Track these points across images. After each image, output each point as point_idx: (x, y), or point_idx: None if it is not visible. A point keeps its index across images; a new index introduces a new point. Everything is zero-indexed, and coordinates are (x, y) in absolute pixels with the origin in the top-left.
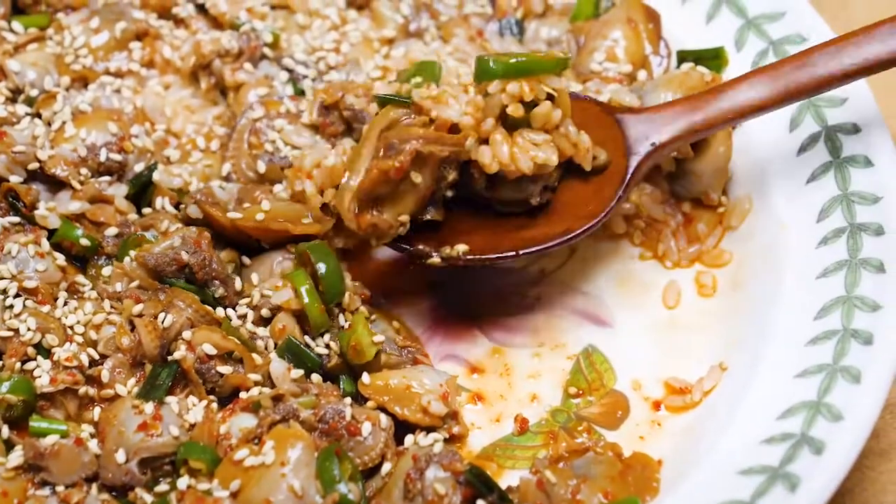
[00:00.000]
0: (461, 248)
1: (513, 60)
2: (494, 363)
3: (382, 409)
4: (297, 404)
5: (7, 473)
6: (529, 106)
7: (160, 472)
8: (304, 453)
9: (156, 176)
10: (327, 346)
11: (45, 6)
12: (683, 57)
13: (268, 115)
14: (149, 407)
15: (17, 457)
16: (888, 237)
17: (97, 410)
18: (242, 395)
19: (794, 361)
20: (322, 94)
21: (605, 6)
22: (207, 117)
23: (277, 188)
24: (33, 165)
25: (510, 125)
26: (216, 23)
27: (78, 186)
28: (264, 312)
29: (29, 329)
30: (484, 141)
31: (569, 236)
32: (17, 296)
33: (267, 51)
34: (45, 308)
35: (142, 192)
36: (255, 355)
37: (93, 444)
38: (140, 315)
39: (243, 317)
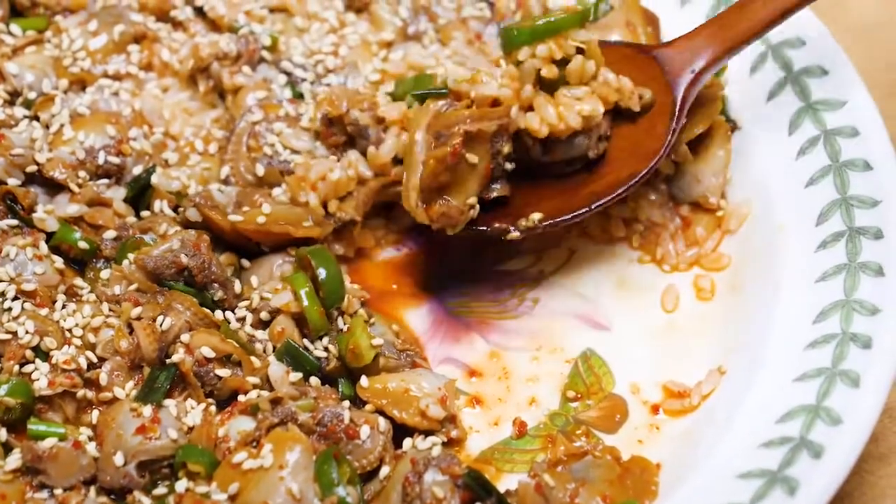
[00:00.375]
0: (536, 216)
1: (537, 24)
2: (493, 366)
3: (381, 412)
4: (295, 407)
5: (5, 476)
6: (562, 64)
7: (158, 475)
8: (302, 456)
9: (154, 179)
10: (326, 349)
11: (43, 9)
12: None
13: (266, 119)
14: (147, 410)
15: (15, 459)
16: (887, 241)
17: (95, 413)
18: (241, 398)
19: (793, 365)
20: (327, 107)
21: (603, 9)
22: (206, 120)
23: (276, 192)
24: (31, 168)
25: (549, 87)
26: (214, 26)
27: (76, 189)
28: (263, 315)
29: (27, 332)
30: (529, 109)
31: (637, 178)
32: (15, 298)
33: (265, 54)
34: (44, 311)
35: (140, 195)
36: (253, 358)
37: (91, 447)
38: (138, 318)
39: (242, 320)
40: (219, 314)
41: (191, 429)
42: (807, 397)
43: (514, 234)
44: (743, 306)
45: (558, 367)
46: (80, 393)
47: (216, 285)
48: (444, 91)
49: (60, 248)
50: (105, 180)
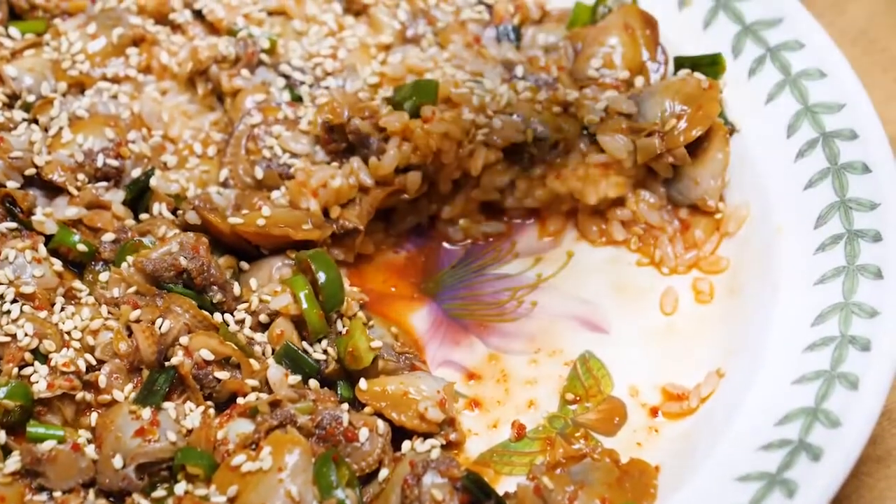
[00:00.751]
0: None
1: None
2: (491, 369)
3: (380, 414)
4: (294, 410)
5: (4, 479)
6: None
7: (157, 478)
8: (301, 459)
9: (153, 181)
10: (325, 351)
11: (42, 12)
12: (681, 63)
13: (265, 122)
14: (146, 412)
15: (14, 462)
16: (886, 243)
17: (94, 416)
18: (240, 400)
19: (792, 367)
20: (328, 114)
21: (602, 12)
22: (204, 123)
23: (275, 194)
24: (30, 171)
25: None
26: (213, 29)
27: (75, 192)
28: (262, 318)
29: (26, 334)
30: None
31: None
32: (14, 301)
33: (264, 57)
34: (43, 313)
35: (139, 198)
36: (252, 361)
37: (90, 450)
38: (137, 320)
39: (241, 322)
40: (218, 317)
41: (190, 431)
42: (806, 400)
43: None
44: (742, 309)
45: (557, 370)
46: (79, 395)
47: (215, 288)
48: None
49: (59, 250)
50: (104, 183)
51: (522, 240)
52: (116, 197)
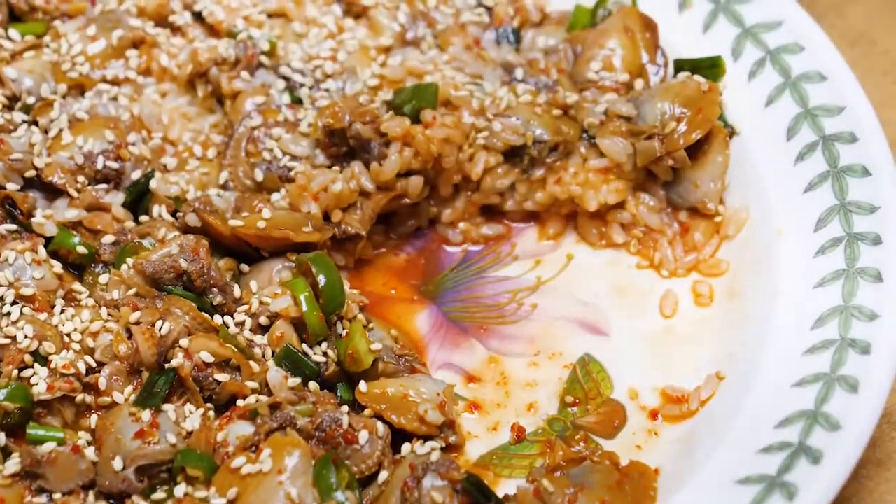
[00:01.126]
0: None
1: None
2: (491, 372)
3: (379, 417)
4: (294, 412)
5: (4, 481)
6: None
7: (157, 480)
8: (301, 461)
9: (153, 184)
10: (325, 354)
11: (42, 14)
12: (680, 66)
13: (265, 124)
14: (146, 414)
15: (14, 464)
16: (885, 246)
17: (94, 418)
18: (240, 402)
19: (792, 371)
20: (329, 119)
21: (601, 15)
22: (204, 125)
23: (275, 197)
24: (30, 173)
25: None
26: (213, 31)
27: (75, 194)
28: (262, 320)
29: (26, 336)
30: None
31: None
32: (14, 303)
33: (264, 59)
34: (42, 316)
35: (139, 200)
36: (252, 363)
37: (90, 452)
38: (137, 323)
39: (241, 324)
40: (218, 319)
41: (189, 433)
42: (805, 403)
43: None
44: (741, 312)
45: (557, 373)
46: (79, 397)
47: (215, 290)
48: None
49: (59, 252)
50: (104, 185)
51: (522, 242)
52: (116, 199)
